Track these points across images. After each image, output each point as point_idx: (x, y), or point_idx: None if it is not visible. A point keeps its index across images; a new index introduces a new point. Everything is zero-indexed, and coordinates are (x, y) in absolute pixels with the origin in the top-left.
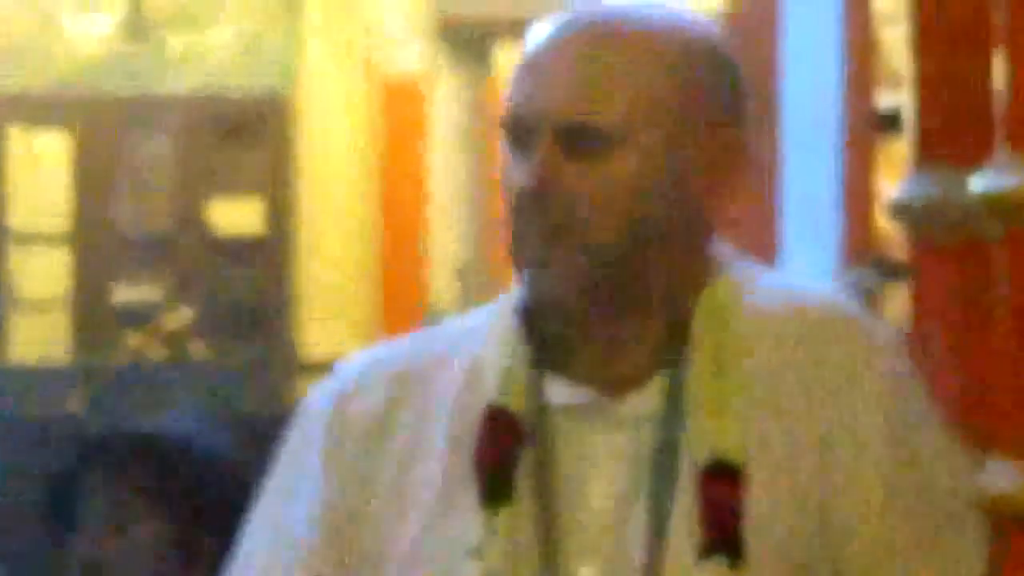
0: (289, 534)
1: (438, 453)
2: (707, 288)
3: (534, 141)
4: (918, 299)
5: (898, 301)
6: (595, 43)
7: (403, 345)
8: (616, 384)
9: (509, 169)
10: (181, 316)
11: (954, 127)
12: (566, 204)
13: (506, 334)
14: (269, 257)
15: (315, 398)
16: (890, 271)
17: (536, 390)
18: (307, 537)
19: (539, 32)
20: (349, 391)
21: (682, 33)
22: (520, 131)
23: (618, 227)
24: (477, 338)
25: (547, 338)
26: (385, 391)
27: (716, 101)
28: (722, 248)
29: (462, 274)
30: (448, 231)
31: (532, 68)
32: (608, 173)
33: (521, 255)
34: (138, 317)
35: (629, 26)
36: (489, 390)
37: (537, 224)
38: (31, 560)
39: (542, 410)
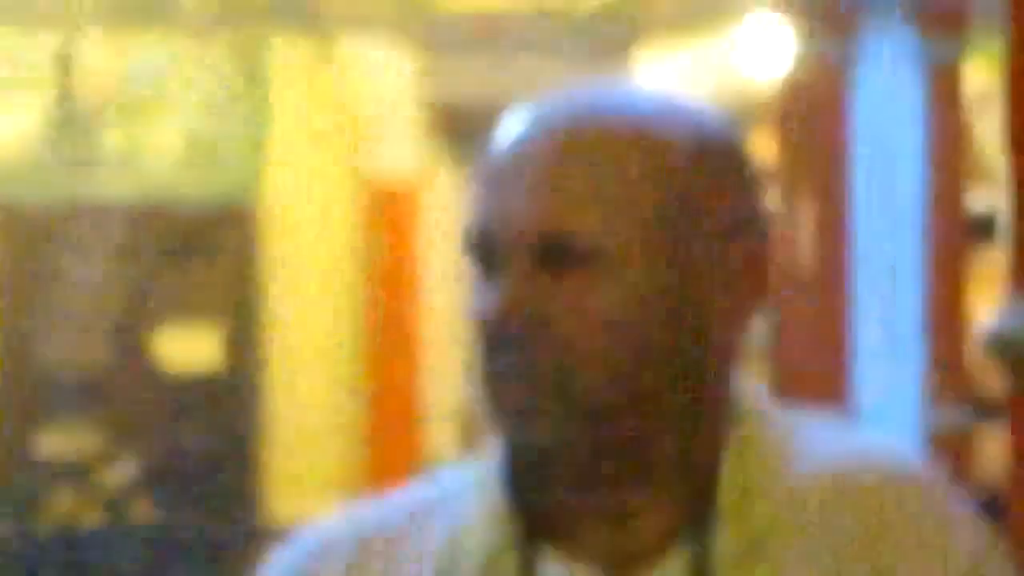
0: None
1: None
2: (736, 438)
3: (504, 263)
4: (1018, 444)
5: (993, 445)
6: (572, 141)
7: (370, 509)
8: (626, 561)
9: (476, 300)
10: (121, 471)
11: None
12: (546, 336)
13: (491, 502)
14: (228, 399)
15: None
16: (984, 410)
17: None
18: None
19: (504, 132)
20: (304, 567)
21: (681, 126)
22: (487, 252)
23: (614, 359)
24: (459, 502)
25: (538, 505)
26: (346, 567)
27: (721, 205)
28: (749, 388)
29: (464, 421)
30: (448, 367)
31: (497, 176)
32: (595, 295)
33: (496, 403)
34: (69, 473)
35: (613, 118)
36: (470, 574)
37: (513, 363)
38: None
39: None
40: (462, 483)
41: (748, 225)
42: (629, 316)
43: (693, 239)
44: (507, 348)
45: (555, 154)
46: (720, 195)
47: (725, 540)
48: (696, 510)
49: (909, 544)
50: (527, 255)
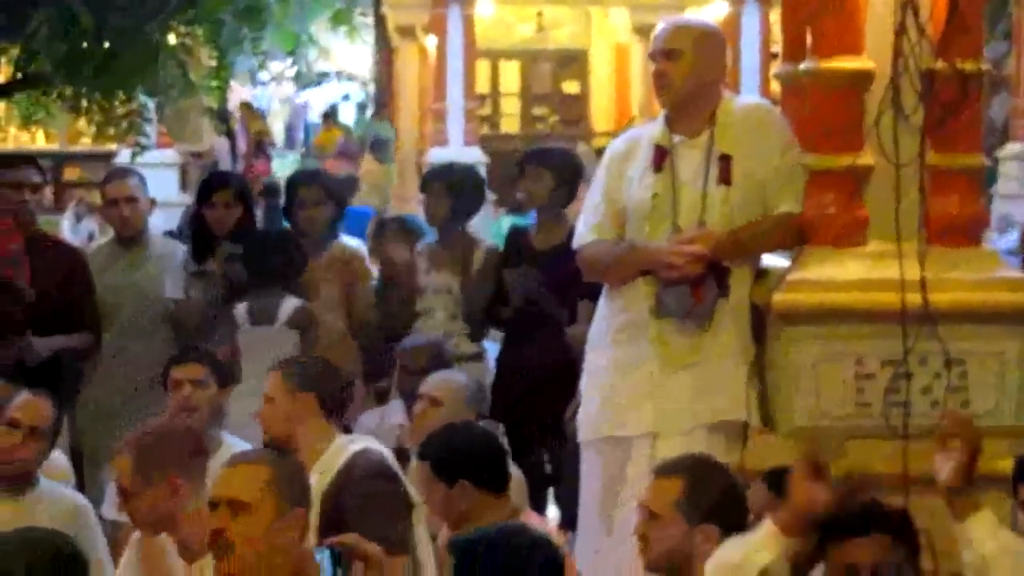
0: (598, 194)
1: (642, 159)
2: (721, 102)
3: (655, 61)
4: None
5: None
6: (669, 27)
7: (631, 130)
8: (692, 133)
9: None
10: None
11: None
12: (668, 79)
13: (661, 122)
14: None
15: (607, 150)
16: None
17: (669, 137)
18: (601, 193)
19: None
20: (615, 146)
21: (700, 25)
22: (652, 59)
23: (685, 89)
24: (654, 126)
25: (672, 120)
26: (625, 145)
27: (713, 51)
28: (726, 90)
29: None
30: None
31: (653, 42)
32: (679, 68)
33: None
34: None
35: (684, 20)
36: (656, 138)
37: (660, 84)
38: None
39: (672, 145)
40: (655, 121)
41: (721, 55)
42: (690, 72)
43: (707, 57)
44: (658, 81)
45: (664, 31)
46: (713, 46)
47: (719, 127)
48: (712, 118)
49: (768, 125)
50: (660, 56)
